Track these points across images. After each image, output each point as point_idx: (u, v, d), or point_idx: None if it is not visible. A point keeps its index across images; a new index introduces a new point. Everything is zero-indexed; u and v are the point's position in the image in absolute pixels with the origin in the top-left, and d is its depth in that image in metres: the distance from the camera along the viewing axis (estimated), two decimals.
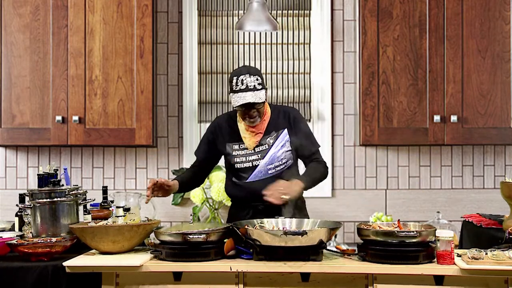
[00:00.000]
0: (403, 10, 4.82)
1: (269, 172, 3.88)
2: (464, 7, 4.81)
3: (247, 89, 3.75)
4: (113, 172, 5.24)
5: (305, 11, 5.28)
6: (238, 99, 3.75)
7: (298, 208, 3.89)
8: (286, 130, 3.92)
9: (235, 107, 3.82)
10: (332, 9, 5.24)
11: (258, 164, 3.89)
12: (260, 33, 5.27)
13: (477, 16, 4.81)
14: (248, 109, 3.81)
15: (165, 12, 5.26)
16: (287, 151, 3.90)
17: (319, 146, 4.04)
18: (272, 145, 3.89)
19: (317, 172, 3.91)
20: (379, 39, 4.83)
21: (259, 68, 5.20)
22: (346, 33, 5.23)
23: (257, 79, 3.77)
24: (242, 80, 3.76)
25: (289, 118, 3.94)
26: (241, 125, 3.94)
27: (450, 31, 4.80)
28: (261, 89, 3.78)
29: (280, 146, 3.89)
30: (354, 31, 5.20)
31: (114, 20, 4.85)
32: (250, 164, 3.90)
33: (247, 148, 3.91)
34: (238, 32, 5.29)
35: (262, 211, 3.84)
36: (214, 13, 5.30)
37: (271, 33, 5.26)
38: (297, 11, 5.28)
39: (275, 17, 5.14)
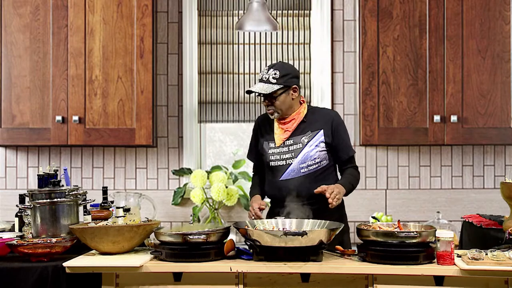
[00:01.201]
0: (403, 10, 4.82)
1: (302, 171, 3.90)
2: (464, 7, 4.81)
3: (261, 80, 3.90)
4: (113, 172, 5.24)
5: (305, 11, 5.28)
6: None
7: (338, 208, 3.93)
8: (322, 131, 3.94)
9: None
10: (332, 9, 5.24)
11: (292, 163, 3.92)
12: (260, 33, 5.27)
13: (477, 16, 4.81)
14: (264, 100, 3.92)
15: (165, 12, 5.26)
16: (321, 151, 3.93)
17: (355, 152, 4.08)
18: (306, 144, 3.92)
19: (354, 178, 4.00)
20: (379, 39, 4.83)
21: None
22: (346, 33, 5.23)
23: (275, 73, 3.87)
24: (265, 72, 3.90)
25: (329, 120, 3.97)
26: (275, 123, 4.01)
27: (450, 31, 4.80)
28: (275, 83, 3.85)
29: (314, 146, 3.92)
30: (354, 31, 5.20)
31: (114, 20, 4.85)
32: (284, 163, 3.94)
33: (279, 146, 3.95)
34: (238, 32, 5.29)
35: (297, 209, 3.85)
36: (214, 13, 5.30)
37: (271, 33, 5.26)
38: (297, 11, 5.28)
39: (275, 17, 5.14)
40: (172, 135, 5.26)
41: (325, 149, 3.93)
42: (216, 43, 5.30)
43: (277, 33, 5.27)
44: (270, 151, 3.99)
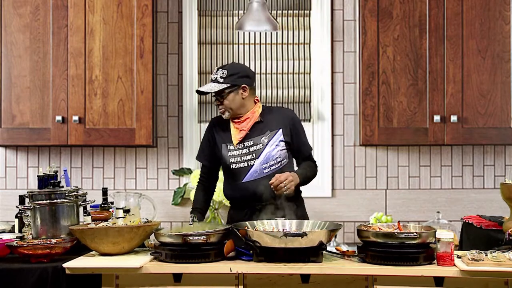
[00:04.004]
0: (403, 10, 4.82)
1: (265, 171, 3.94)
2: (464, 7, 4.80)
3: (211, 80, 4.02)
4: (113, 172, 5.24)
5: (305, 11, 5.28)
6: None
7: (299, 207, 4.01)
8: (281, 130, 3.99)
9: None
10: (332, 9, 5.23)
11: (254, 164, 3.95)
12: (260, 33, 5.27)
13: (477, 16, 4.80)
14: (215, 100, 4.03)
15: (165, 12, 5.26)
16: (282, 150, 3.98)
17: (312, 148, 4.18)
18: (266, 144, 3.96)
19: (311, 170, 4.07)
20: (379, 39, 4.83)
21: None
22: (346, 33, 5.23)
23: (223, 73, 3.97)
24: (215, 72, 4.04)
25: (286, 119, 4.04)
26: (231, 123, 4.05)
27: (450, 31, 4.80)
28: (222, 82, 3.94)
29: (275, 145, 3.96)
30: (354, 31, 5.20)
31: (114, 20, 4.85)
32: (245, 164, 3.97)
33: (240, 144, 3.98)
34: (238, 32, 5.28)
35: (259, 211, 3.90)
36: (214, 13, 5.29)
37: (271, 33, 5.26)
38: (297, 11, 5.27)
39: (275, 17, 5.14)
40: (172, 135, 5.26)
41: (285, 148, 3.99)
42: (216, 43, 5.29)
43: (277, 33, 5.26)
44: (229, 154, 4.00)
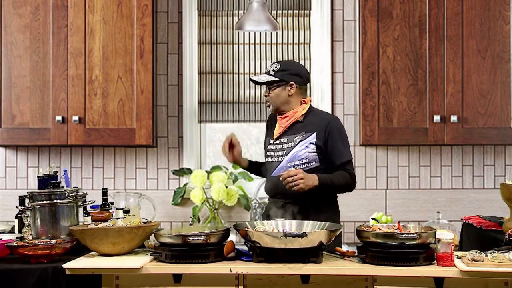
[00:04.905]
0: (403, 10, 4.82)
1: (290, 169, 3.92)
2: (464, 7, 4.80)
3: (265, 72, 4.07)
4: (113, 172, 5.24)
5: (305, 11, 5.28)
6: None
7: (327, 213, 3.97)
8: (315, 133, 3.95)
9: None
10: (332, 9, 5.23)
11: (282, 160, 3.99)
12: (260, 33, 5.27)
13: (477, 16, 4.80)
14: (265, 89, 4.08)
15: (165, 12, 5.26)
16: (311, 152, 3.94)
17: (351, 158, 4.02)
18: (297, 143, 3.97)
19: (342, 179, 3.92)
20: (379, 39, 4.83)
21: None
22: (346, 33, 5.23)
23: (276, 67, 4.01)
24: (270, 65, 4.09)
25: (324, 124, 3.97)
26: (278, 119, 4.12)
27: (450, 31, 4.80)
28: (273, 75, 3.99)
29: (305, 146, 3.95)
30: (354, 31, 5.20)
31: (114, 20, 4.85)
32: (276, 159, 4.03)
33: (277, 140, 4.04)
34: (238, 32, 5.28)
35: (287, 206, 3.94)
36: (214, 13, 5.29)
37: (271, 33, 5.26)
38: (297, 11, 5.27)
39: (275, 17, 5.14)
40: (172, 135, 5.26)
41: (314, 151, 3.94)
42: (216, 43, 5.29)
43: (277, 33, 5.26)
44: (268, 147, 4.11)
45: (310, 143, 3.94)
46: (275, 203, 4.03)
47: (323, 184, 3.81)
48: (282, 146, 4.01)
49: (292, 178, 3.73)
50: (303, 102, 4.04)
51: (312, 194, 3.83)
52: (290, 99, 4.00)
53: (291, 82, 3.97)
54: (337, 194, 4.10)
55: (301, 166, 3.91)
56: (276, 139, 4.05)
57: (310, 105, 4.08)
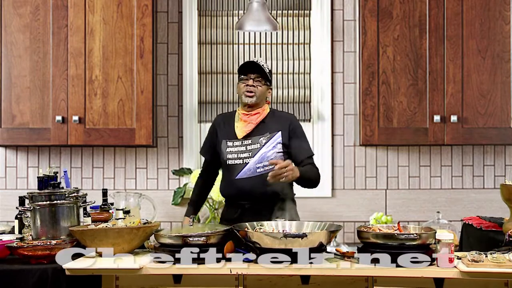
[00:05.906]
0: (403, 10, 4.82)
1: (258, 170, 3.95)
2: (464, 7, 4.80)
3: (257, 61, 4.05)
4: (113, 172, 5.24)
5: (305, 11, 5.28)
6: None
7: (289, 208, 3.97)
8: (280, 132, 4.01)
9: (239, 67, 4.10)
10: (332, 9, 5.23)
11: (248, 162, 3.97)
12: (260, 33, 5.27)
13: (477, 16, 4.80)
14: (251, 76, 4.00)
15: (165, 12, 5.26)
16: (278, 152, 3.99)
17: (313, 154, 4.13)
18: (264, 145, 3.98)
19: (313, 173, 4.02)
20: (379, 39, 4.83)
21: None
22: (346, 33, 5.23)
23: (268, 67, 4.07)
24: (259, 58, 4.18)
25: (286, 123, 4.06)
26: (238, 121, 4.07)
27: (450, 31, 4.80)
28: (269, 72, 4.06)
29: (272, 147, 3.98)
30: (354, 31, 5.19)
31: (114, 20, 4.85)
32: (240, 161, 3.99)
33: (239, 142, 4.01)
34: (238, 32, 5.28)
35: (249, 209, 3.95)
36: (214, 13, 5.29)
37: (271, 33, 5.26)
38: (297, 11, 5.27)
39: (275, 17, 5.14)
40: (172, 135, 5.26)
41: (281, 150, 3.99)
42: (216, 43, 5.29)
43: (277, 33, 5.26)
44: (228, 150, 4.04)
45: (278, 143, 3.98)
46: (238, 206, 4.01)
47: (302, 177, 3.87)
48: (246, 148, 4.00)
49: (286, 169, 3.72)
50: (267, 102, 4.15)
51: (278, 194, 3.88)
52: (264, 98, 4.09)
53: (271, 87, 4.13)
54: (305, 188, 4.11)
55: (270, 166, 3.90)
56: (238, 140, 4.02)
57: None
